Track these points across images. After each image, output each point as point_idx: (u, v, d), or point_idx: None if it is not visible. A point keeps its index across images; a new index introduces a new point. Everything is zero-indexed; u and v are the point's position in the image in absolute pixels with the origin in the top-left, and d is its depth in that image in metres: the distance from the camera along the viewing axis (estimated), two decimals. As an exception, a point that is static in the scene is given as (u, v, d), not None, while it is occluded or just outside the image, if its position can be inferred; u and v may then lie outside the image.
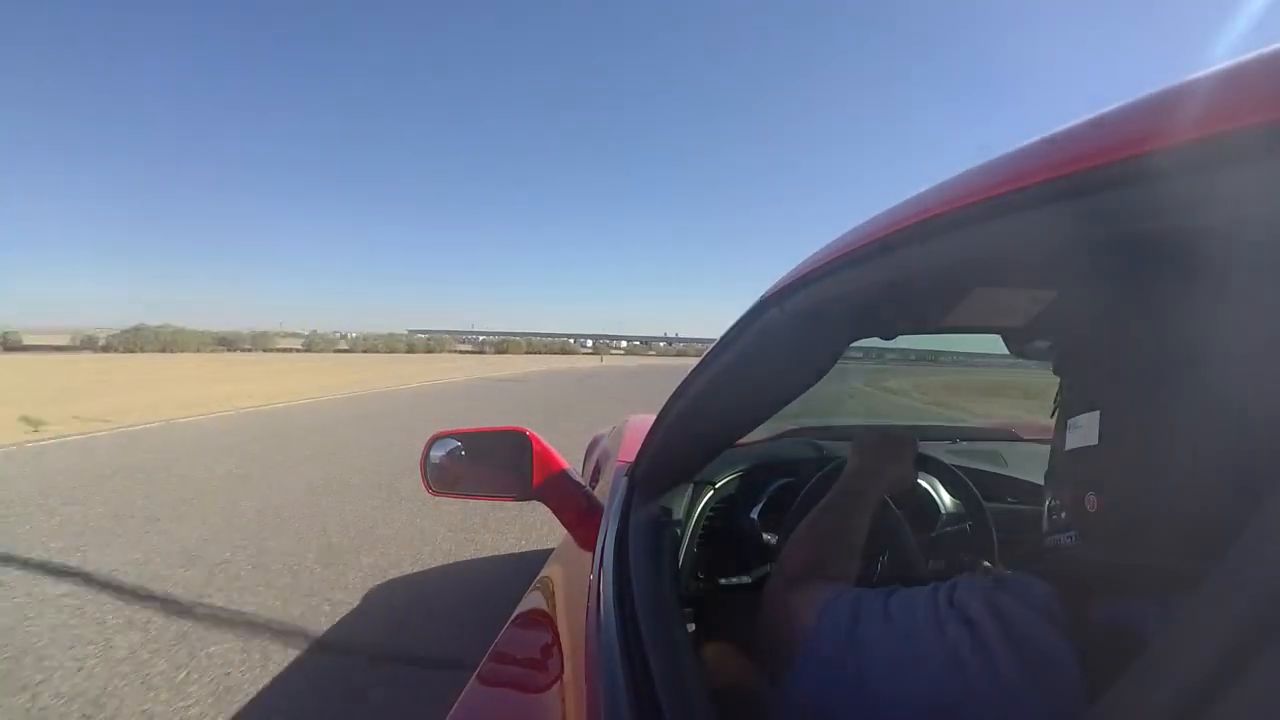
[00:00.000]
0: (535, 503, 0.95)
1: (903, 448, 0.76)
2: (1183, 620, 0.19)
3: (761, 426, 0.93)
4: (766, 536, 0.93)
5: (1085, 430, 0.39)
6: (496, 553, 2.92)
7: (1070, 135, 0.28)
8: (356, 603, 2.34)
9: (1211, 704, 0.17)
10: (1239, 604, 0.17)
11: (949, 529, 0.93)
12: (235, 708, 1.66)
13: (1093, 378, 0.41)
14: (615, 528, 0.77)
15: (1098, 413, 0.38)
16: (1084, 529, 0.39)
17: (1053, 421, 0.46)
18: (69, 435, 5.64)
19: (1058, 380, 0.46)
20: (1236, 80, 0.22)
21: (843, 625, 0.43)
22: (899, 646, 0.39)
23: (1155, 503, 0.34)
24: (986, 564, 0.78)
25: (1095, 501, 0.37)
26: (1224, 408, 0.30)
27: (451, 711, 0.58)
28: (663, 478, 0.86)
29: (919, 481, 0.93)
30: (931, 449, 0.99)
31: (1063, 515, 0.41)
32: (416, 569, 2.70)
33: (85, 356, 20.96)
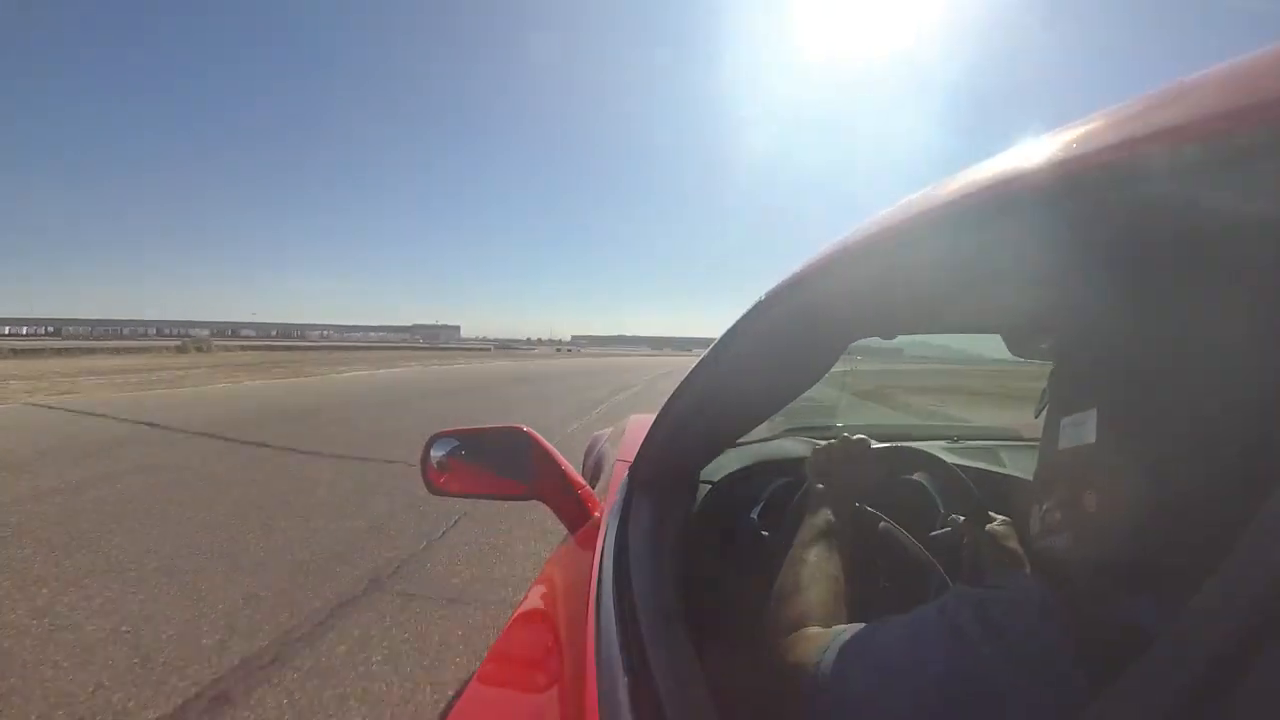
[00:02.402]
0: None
1: (854, 452, 0.75)
2: (1186, 618, 0.19)
3: (761, 426, 0.93)
4: (766, 536, 0.93)
5: (1082, 429, 0.38)
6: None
7: (1069, 134, 0.28)
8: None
9: (1214, 700, 0.17)
10: (1241, 601, 0.17)
11: (948, 529, 0.93)
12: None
13: (1088, 376, 0.40)
14: (615, 527, 0.77)
15: (1094, 411, 0.37)
16: (1080, 529, 0.38)
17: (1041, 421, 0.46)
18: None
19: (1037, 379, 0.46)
20: (1237, 80, 0.22)
21: (831, 667, 0.42)
22: (892, 674, 0.38)
23: (1154, 501, 0.34)
24: (998, 516, 0.76)
25: (1093, 501, 0.37)
26: (1223, 405, 0.30)
27: (451, 712, 0.58)
28: (662, 477, 0.86)
29: (919, 480, 0.93)
30: (931, 448, 0.99)
31: (1057, 516, 0.40)
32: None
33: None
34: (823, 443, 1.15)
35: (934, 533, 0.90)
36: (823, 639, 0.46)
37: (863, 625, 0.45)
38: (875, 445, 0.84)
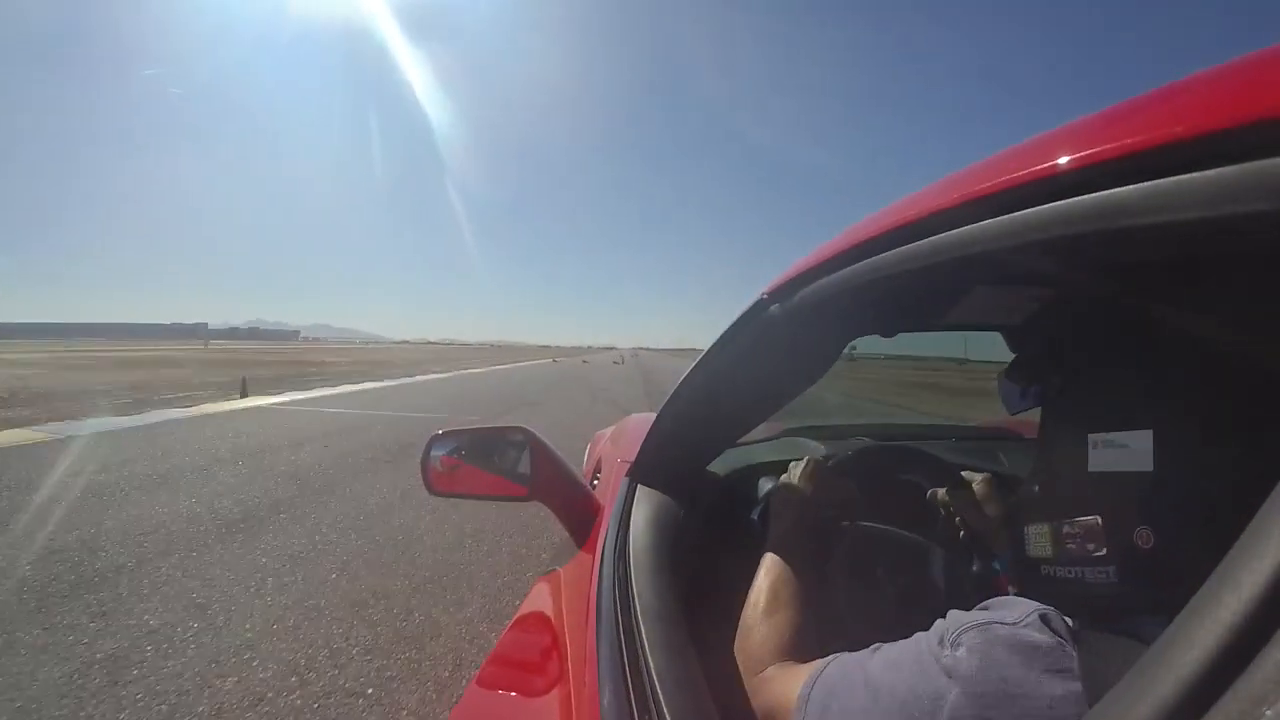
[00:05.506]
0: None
1: (811, 475, 0.72)
2: (1184, 618, 0.19)
3: (761, 426, 0.92)
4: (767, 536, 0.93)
5: (1131, 452, 0.33)
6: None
7: (1070, 133, 0.28)
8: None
9: (1212, 701, 0.17)
10: (1240, 602, 0.17)
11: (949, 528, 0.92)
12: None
13: (1132, 391, 0.35)
14: (615, 527, 0.77)
15: (1150, 433, 0.33)
16: (1129, 566, 0.34)
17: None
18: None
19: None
20: (1237, 79, 0.21)
21: (819, 704, 0.39)
22: (882, 712, 0.35)
23: (1223, 538, 0.31)
24: (976, 475, 0.74)
25: (1148, 536, 0.33)
26: None
27: (451, 713, 0.58)
28: (663, 477, 0.85)
29: (919, 481, 0.93)
30: (931, 448, 0.98)
31: (1089, 547, 0.36)
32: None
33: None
34: (817, 444, 1.15)
35: (934, 533, 0.90)
36: (799, 676, 0.43)
37: (845, 657, 0.42)
38: (832, 459, 0.81)
